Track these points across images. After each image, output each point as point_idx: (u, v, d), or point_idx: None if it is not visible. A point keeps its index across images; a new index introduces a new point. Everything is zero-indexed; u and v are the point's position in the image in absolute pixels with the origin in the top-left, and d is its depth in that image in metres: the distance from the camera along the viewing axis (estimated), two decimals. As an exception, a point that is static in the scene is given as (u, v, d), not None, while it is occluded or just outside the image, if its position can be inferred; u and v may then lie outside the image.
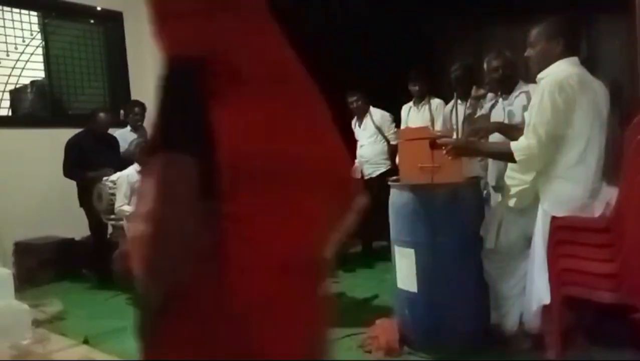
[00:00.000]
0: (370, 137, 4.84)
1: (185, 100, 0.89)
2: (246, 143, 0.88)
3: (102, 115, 4.70)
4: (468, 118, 3.62)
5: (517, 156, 2.35)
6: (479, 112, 3.59)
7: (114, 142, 4.84)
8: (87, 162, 4.51)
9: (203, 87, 0.87)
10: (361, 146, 4.86)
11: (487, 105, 3.51)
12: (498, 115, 3.28)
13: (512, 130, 2.68)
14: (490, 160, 3.32)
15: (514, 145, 2.38)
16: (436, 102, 4.55)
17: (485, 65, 3.30)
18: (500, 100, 3.29)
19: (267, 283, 0.90)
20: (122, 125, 5.15)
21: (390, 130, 4.82)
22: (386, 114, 4.89)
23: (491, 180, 3.32)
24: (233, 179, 0.88)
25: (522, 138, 2.39)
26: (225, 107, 0.87)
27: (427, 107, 4.56)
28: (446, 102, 4.47)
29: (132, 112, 5.04)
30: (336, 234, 1.07)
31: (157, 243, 0.88)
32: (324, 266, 1.02)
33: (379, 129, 4.81)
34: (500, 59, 3.21)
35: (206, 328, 0.91)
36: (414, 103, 4.66)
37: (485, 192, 3.33)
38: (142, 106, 5.08)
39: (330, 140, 1.01)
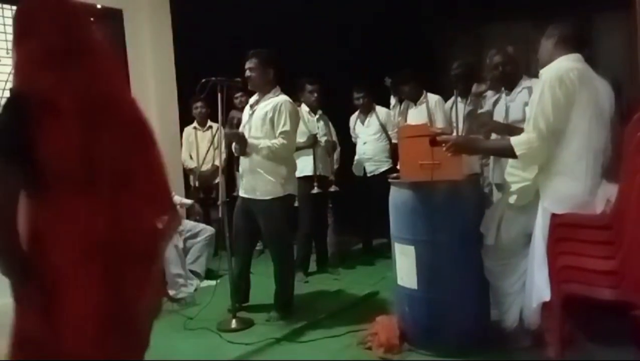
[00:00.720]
0: (374, 135, 4.83)
1: (10, 124, 1.24)
2: (61, 155, 1.21)
3: None
4: (470, 115, 3.61)
5: (518, 150, 2.35)
6: (482, 109, 3.58)
7: None
8: None
9: (30, 114, 1.21)
10: (364, 143, 4.86)
11: (490, 100, 3.49)
12: (501, 111, 3.27)
13: (518, 132, 2.67)
14: (492, 158, 3.32)
15: (514, 140, 2.38)
16: (434, 98, 4.55)
17: (487, 62, 3.28)
18: (503, 95, 3.28)
19: (68, 264, 1.22)
20: None
21: (394, 128, 4.81)
22: (391, 113, 4.90)
23: (493, 178, 3.32)
24: (49, 181, 1.21)
25: (522, 133, 2.39)
26: (45, 129, 1.21)
27: (424, 105, 4.56)
28: (445, 99, 4.48)
29: None
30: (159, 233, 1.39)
31: None
32: (137, 253, 1.33)
33: (384, 127, 4.82)
34: (501, 55, 3.19)
35: (38, 302, 1.25)
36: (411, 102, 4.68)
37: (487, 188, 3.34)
38: None
39: (144, 158, 1.34)
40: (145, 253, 1.33)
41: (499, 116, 3.25)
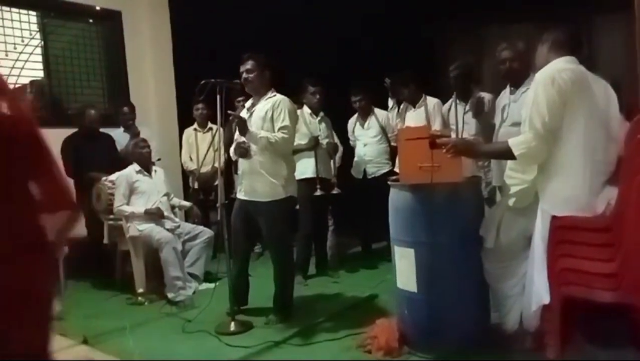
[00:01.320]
0: (374, 137, 4.82)
1: None
2: None
3: (91, 111, 4.72)
4: (476, 113, 3.55)
5: (516, 151, 2.34)
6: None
7: (107, 140, 4.83)
8: (79, 161, 4.48)
9: None
10: (364, 145, 4.84)
11: (502, 96, 3.41)
12: (501, 110, 3.22)
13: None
14: (493, 160, 3.29)
15: (512, 141, 2.38)
16: (433, 101, 4.52)
17: (497, 55, 3.20)
18: (508, 92, 3.23)
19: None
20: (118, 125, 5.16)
21: (393, 131, 4.80)
22: (389, 115, 4.88)
23: (495, 180, 3.29)
24: None
25: (520, 135, 2.39)
26: None
27: (422, 108, 4.55)
28: (445, 101, 4.46)
29: (121, 112, 5.06)
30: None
31: None
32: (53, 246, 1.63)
33: (384, 129, 4.81)
34: (510, 50, 3.08)
35: None
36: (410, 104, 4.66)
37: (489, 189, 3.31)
38: (130, 106, 5.09)
39: (40, 166, 1.63)
40: (38, 243, 1.60)
41: (499, 115, 3.21)
